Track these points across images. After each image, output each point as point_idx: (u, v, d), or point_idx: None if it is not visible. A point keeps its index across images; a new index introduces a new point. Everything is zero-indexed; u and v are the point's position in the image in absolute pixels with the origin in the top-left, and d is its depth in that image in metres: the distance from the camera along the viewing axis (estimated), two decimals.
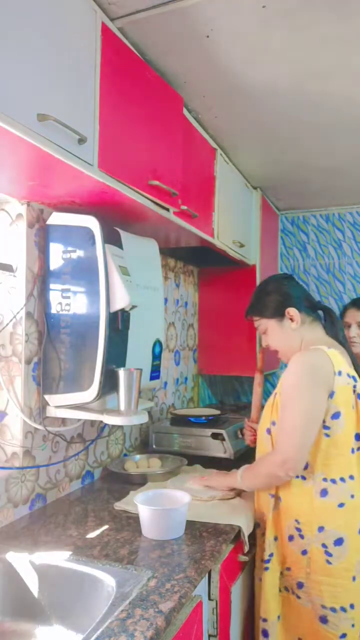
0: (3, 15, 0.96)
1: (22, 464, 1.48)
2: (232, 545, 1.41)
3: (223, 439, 2.02)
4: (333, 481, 1.41)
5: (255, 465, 1.54)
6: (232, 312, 2.74)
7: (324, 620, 1.37)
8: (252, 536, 1.52)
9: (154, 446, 2.13)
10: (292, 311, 1.59)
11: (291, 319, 1.59)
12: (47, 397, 1.52)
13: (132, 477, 1.81)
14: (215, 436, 2.04)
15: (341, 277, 3.18)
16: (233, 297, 2.73)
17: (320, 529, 1.39)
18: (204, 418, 2.19)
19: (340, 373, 1.44)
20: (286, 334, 1.60)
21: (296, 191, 2.87)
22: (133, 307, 1.51)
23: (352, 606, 1.36)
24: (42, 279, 1.54)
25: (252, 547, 1.52)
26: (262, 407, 1.69)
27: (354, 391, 1.46)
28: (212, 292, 2.83)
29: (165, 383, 2.45)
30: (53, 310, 1.52)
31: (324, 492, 1.41)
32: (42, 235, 1.55)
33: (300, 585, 1.42)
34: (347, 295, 3.13)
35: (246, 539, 1.44)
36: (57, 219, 1.52)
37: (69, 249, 1.50)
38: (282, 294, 1.63)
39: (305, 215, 3.26)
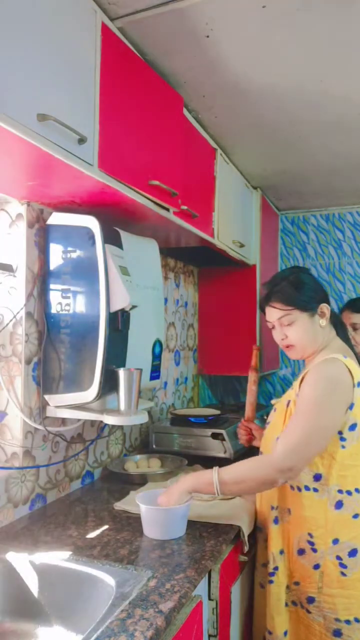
0: (3, 16, 0.96)
1: (22, 464, 1.48)
2: (232, 545, 1.41)
3: (223, 439, 2.02)
4: (349, 493, 1.37)
5: (239, 469, 1.40)
6: (232, 312, 2.74)
7: (337, 633, 1.35)
8: (252, 536, 1.52)
9: (154, 446, 2.13)
10: (325, 307, 1.52)
11: (321, 315, 1.52)
12: (47, 397, 1.52)
13: (132, 477, 1.81)
14: (215, 436, 2.04)
15: (341, 277, 3.18)
16: (233, 297, 2.73)
17: (335, 541, 1.36)
18: (204, 418, 2.19)
19: (359, 384, 1.39)
20: (313, 330, 1.51)
21: (296, 191, 2.87)
22: (133, 307, 1.51)
23: None
24: (42, 279, 1.54)
25: (252, 547, 1.51)
26: (257, 405, 1.62)
27: None
28: (212, 292, 2.83)
29: (165, 383, 2.45)
30: (53, 310, 1.52)
31: (339, 504, 1.37)
32: (42, 235, 1.55)
33: (311, 600, 1.38)
34: (347, 295, 3.13)
35: (246, 539, 1.44)
36: (57, 219, 1.52)
37: (69, 249, 1.50)
38: (318, 288, 1.56)
39: (305, 215, 3.26)
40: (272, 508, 1.48)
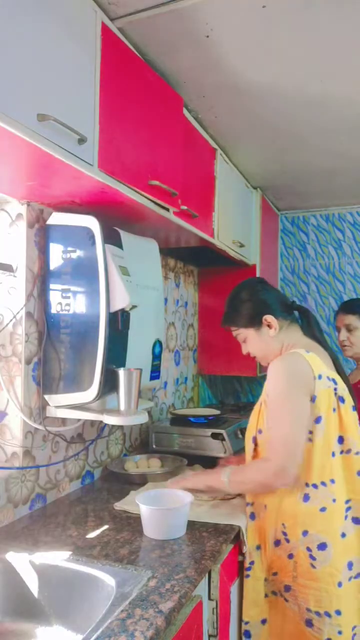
0: (3, 16, 0.96)
1: (22, 464, 1.48)
2: (232, 545, 1.41)
3: (223, 439, 2.02)
4: (314, 486, 1.39)
5: (245, 471, 1.47)
6: None
7: (309, 623, 1.36)
8: None
9: (154, 446, 2.13)
10: (269, 318, 1.56)
11: (269, 326, 1.56)
12: (47, 397, 1.52)
13: (132, 477, 1.81)
14: (215, 436, 2.04)
15: (341, 277, 3.18)
16: None
17: (305, 532, 1.38)
18: (204, 418, 2.19)
19: (320, 377, 1.42)
20: (265, 342, 1.57)
21: (296, 191, 2.87)
22: (133, 307, 1.51)
23: (338, 612, 1.34)
24: (42, 279, 1.54)
25: None
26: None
27: (335, 393, 1.44)
28: (212, 292, 2.83)
29: (165, 383, 2.45)
30: (53, 310, 1.52)
31: (306, 497, 1.39)
32: (42, 235, 1.55)
33: (287, 588, 1.40)
34: (347, 295, 3.13)
35: (246, 539, 1.44)
36: (57, 219, 1.52)
37: (69, 249, 1.50)
38: (256, 302, 1.60)
39: (305, 215, 3.26)
40: (248, 504, 1.49)
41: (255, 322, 1.58)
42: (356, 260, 3.15)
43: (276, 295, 1.65)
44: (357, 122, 1.97)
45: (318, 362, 1.45)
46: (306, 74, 1.63)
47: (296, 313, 1.66)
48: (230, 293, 1.68)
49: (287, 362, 1.46)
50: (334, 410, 1.44)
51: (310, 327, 1.61)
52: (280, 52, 1.51)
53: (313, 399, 1.40)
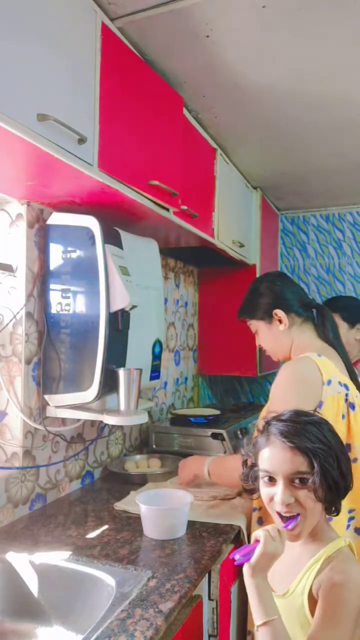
0: (2, 16, 0.96)
1: (22, 464, 1.48)
2: (232, 545, 1.41)
3: (223, 439, 2.02)
4: None
5: (225, 461, 1.55)
6: (232, 312, 2.70)
7: None
8: None
9: (154, 446, 2.13)
10: (279, 313, 1.56)
11: (279, 321, 1.56)
12: (47, 397, 1.52)
13: (132, 477, 1.81)
14: (215, 436, 2.04)
15: (341, 277, 3.18)
16: (233, 297, 2.70)
17: None
18: (203, 418, 2.19)
19: (329, 382, 1.39)
20: (275, 336, 1.58)
21: (296, 191, 2.87)
22: (133, 307, 1.51)
23: None
24: (42, 279, 1.54)
25: None
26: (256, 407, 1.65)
27: (346, 400, 1.42)
28: (212, 292, 2.83)
29: (165, 383, 2.45)
30: (53, 310, 1.52)
31: None
32: (42, 235, 1.55)
33: None
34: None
35: (246, 539, 1.44)
36: (57, 219, 1.52)
37: (69, 249, 1.50)
38: (272, 295, 1.60)
39: (305, 215, 3.26)
40: (255, 509, 1.48)
41: (266, 315, 1.59)
42: (356, 260, 3.14)
43: (294, 291, 1.64)
44: (357, 122, 1.97)
45: (329, 366, 1.42)
46: (306, 74, 1.62)
47: (314, 313, 1.64)
48: (250, 285, 1.73)
49: (294, 367, 1.45)
50: (343, 417, 1.41)
51: (325, 328, 1.59)
52: (280, 52, 1.51)
53: (320, 405, 1.37)
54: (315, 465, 0.99)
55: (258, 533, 1.00)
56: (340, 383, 1.42)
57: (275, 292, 1.62)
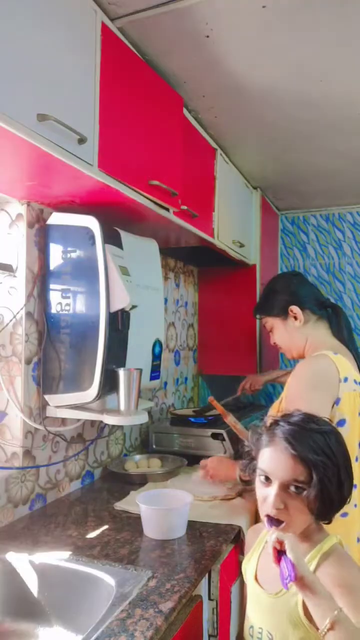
0: (2, 16, 0.96)
1: (22, 464, 1.48)
2: (232, 545, 1.41)
3: (223, 439, 2.02)
4: None
5: None
6: (232, 312, 2.74)
7: None
8: None
9: (154, 446, 2.13)
10: (295, 309, 1.59)
11: (295, 317, 1.59)
12: (47, 397, 1.52)
13: (132, 477, 1.81)
14: (215, 436, 2.04)
15: (341, 277, 3.18)
16: (233, 297, 2.73)
17: None
18: (203, 418, 2.19)
19: (346, 379, 1.41)
20: (290, 333, 1.61)
21: (296, 191, 2.87)
22: (133, 307, 1.51)
23: None
24: (42, 279, 1.54)
25: None
26: (257, 408, 1.65)
27: None
28: (212, 292, 2.83)
29: (165, 383, 2.45)
30: (53, 310, 1.52)
31: None
32: (42, 235, 1.55)
33: None
34: (347, 295, 3.13)
35: (246, 539, 1.44)
36: (57, 219, 1.52)
37: (69, 249, 1.50)
38: (288, 293, 1.64)
39: (305, 215, 3.26)
40: None
41: (282, 312, 1.62)
42: (356, 260, 3.14)
43: (309, 290, 1.68)
44: (357, 122, 1.97)
45: (345, 364, 1.44)
46: (306, 74, 1.62)
47: (329, 312, 1.66)
48: (267, 283, 1.77)
49: (312, 363, 1.47)
50: (359, 414, 1.42)
51: (339, 327, 1.61)
52: (280, 52, 1.51)
53: (337, 402, 1.38)
54: (314, 477, 0.97)
55: (270, 546, 0.95)
56: (355, 381, 1.44)
57: (291, 289, 1.65)
